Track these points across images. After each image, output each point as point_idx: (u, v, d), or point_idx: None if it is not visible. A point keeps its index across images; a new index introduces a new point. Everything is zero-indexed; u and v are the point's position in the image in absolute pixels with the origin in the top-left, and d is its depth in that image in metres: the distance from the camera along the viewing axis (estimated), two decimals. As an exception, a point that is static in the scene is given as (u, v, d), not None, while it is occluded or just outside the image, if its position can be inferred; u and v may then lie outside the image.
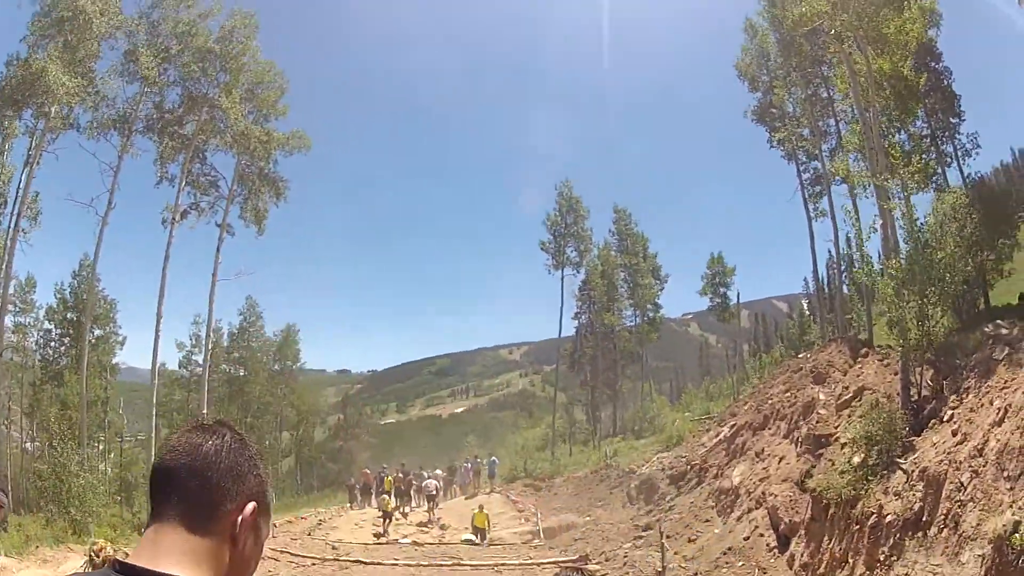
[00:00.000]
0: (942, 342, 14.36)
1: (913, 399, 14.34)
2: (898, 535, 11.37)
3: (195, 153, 34.33)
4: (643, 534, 22.08)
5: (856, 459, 13.65)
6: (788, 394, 22.71)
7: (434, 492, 34.94)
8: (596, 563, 19.03)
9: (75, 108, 30.05)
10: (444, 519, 31.52)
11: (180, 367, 52.29)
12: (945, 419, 12.40)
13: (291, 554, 20.96)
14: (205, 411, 37.81)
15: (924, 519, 10.91)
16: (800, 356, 27.84)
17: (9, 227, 28.96)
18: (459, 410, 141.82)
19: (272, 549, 21.22)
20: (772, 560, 15.80)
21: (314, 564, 20.00)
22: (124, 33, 31.05)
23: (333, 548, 22.89)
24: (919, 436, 12.78)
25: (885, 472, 12.57)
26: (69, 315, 42.76)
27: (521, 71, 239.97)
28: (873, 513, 12.08)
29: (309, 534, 27.55)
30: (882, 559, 11.55)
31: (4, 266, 29.44)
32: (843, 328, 30.73)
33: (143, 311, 33.04)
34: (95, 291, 41.34)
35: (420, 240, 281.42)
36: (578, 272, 51.34)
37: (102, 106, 31.45)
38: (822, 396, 19.84)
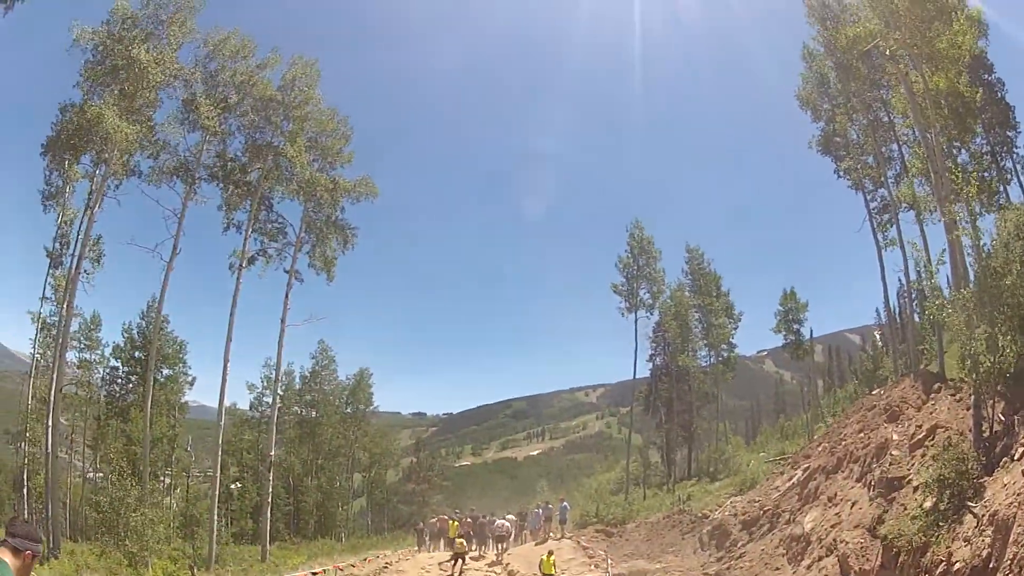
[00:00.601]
0: (1012, 372, 13.49)
1: (985, 435, 13.44)
2: None
3: (261, 201, 35.00)
4: None
5: (927, 503, 12.84)
6: (862, 435, 21.84)
7: (504, 533, 34.65)
8: None
9: (135, 155, 30.90)
10: (513, 564, 31.03)
11: (251, 408, 53.69)
12: (1016, 457, 11.53)
13: None
14: (273, 453, 38.08)
15: (992, 565, 10.08)
16: (873, 393, 26.89)
17: (71, 267, 29.91)
18: (535, 453, 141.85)
19: None
20: None
21: None
22: (181, 82, 31.93)
23: None
24: (991, 476, 11.91)
25: (956, 516, 11.75)
26: (137, 354, 44.14)
27: (596, 115, 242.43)
28: (942, 561, 11.26)
29: None
30: None
31: (65, 304, 30.33)
32: (915, 359, 29.60)
33: (217, 352, 33.86)
34: (163, 333, 42.39)
35: (497, 283, 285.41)
36: (651, 314, 50.63)
37: (163, 153, 32.37)
38: (895, 436, 18.98)
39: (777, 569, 20.12)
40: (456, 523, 35.81)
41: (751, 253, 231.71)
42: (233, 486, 49.51)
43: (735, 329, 53.28)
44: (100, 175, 29.99)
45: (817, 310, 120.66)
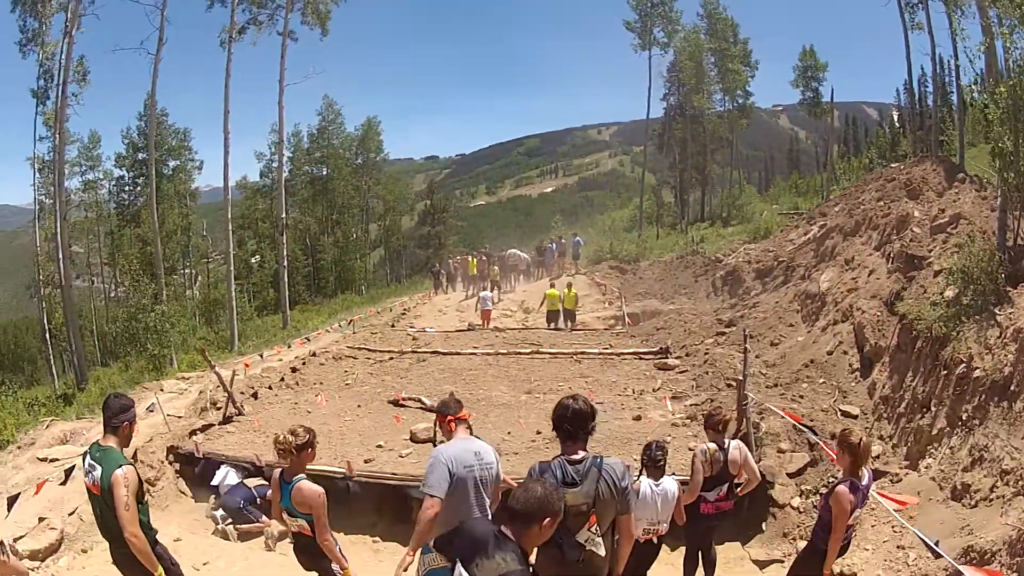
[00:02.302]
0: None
1: (1009, 244, 12.86)
2: (984, 396, 10.32)
3: (245, -33, 33.23)
4: (725, 331, 21.79)
5: (949, 293, 12.60)
6: (881, 203, 21.42)
7: (518, 263, 36.71)
8: (676, 357, 18.75)
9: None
10: (528, 301, 31.71)
11: (261, 177, 54.37)
12: (1046, 283, 10.93)
13: (368, 350, 21.15)
14: (285, 215, 38.52)
15: (1012, 388, 9.79)
16: (893, 166, 26.26)
17: (57, 98, 29.25)
18: (548, 190, 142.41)
19: (349, 347, 21.52)
20: (853, 384, 15.14)
21: (391, 359, 20.10)
22: None
23: (413, 339, 22.99)
24: (1015, 289, 11.53)
25: (979, 318, 11.50)
26: (140, 156, 44.04)
27: None
28: (963, 362, 11.07)
29: (392, 325, 27.98)
30: (964, 418, 10.58)
31: (57, 133, 30.05)
32: (934, 149, 28.83)
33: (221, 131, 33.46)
34: (163, 126, 41.89)
35: (505, 17, 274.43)
36: (666, 52, 49.96)
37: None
38: (916, 213, 18.47)
39: (791, 326, 20.26)
40: (475, 260, 36.62)
41: (773, 10, 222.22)
42: (253, 260, 50.34)
43: (751, 77, 52.50)
44: (74, -3, 28.64)
45: (837, 77, 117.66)
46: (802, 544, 8.89)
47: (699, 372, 16.95)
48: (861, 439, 6.29)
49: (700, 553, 8.30)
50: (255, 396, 16.08)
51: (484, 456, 6.09)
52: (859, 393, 14.69)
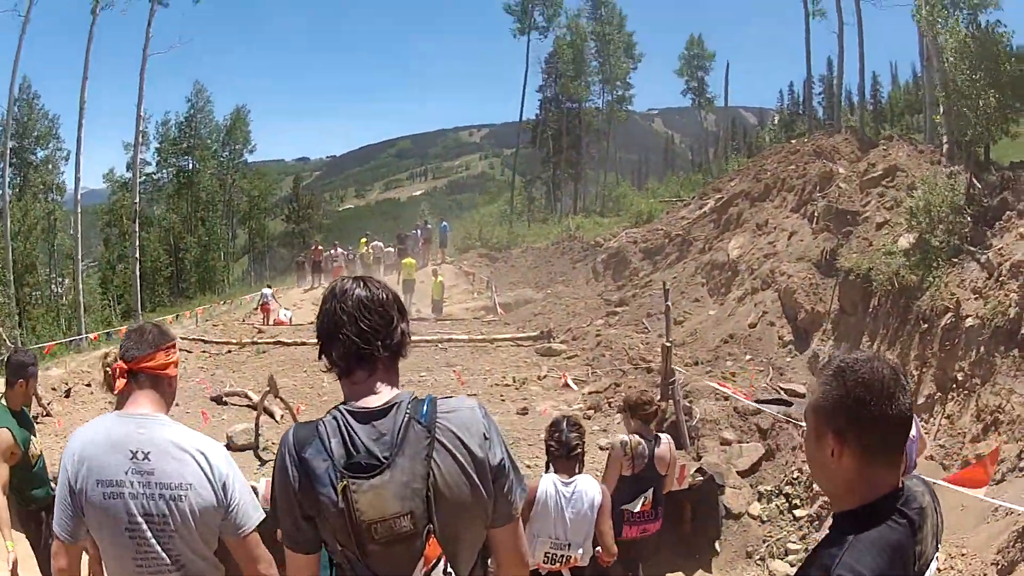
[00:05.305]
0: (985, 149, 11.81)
1: (962, 189, 11.44)
2: (983, 348, 8.73)
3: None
4: (617, 310, 20.01)
5: (906, 241, 11.17)
6: (793, 167, 20.05)
7: (381, 256, 34.29)
8: (562, 341, 16.38)
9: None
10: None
11: (128, 169, 49.39)
12: (1025, 217, 9.53)
13: (204, 342, 18.78)
14: (137, 201, 35.84)
15: (1022, 332, 8.30)
16: (794, 141, 25.09)
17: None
18: (418, 193, 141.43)
19: (184, 339, 18.79)
20: (788, 358, 13.55)
21: (229, 351, 17.66)
22: None
23: (259, 331, 20.68)
24: (990, 228, 10.12)
25: (957, 260, 10.05)
26: (11, 144, 39.51)
27: None
28: (949, 310, 9.53)
29: (243, 321, 25.95)
30: (960, 379, 8.97)
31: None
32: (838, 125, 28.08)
33: (92, 126, 31.21)
34: (33, 109, 40.70)
35: (379, 18, 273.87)
36: (545, 37, 49.16)
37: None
38: (841, 170, 17.34)
39: (697, 300, 18.74)
40: (364, 240, 35.84)
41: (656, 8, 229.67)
42: (119, 267, 46.78)
43: (634, 69, 51.68)
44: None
45: (716, 79, 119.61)
46: (778, 566, 6.81)
47: (593, 355, 14.67)
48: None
49: None
50: (67, 395, 13.71)
51: (155, 463, 2.70)
52: (797, 369, 13.09)
